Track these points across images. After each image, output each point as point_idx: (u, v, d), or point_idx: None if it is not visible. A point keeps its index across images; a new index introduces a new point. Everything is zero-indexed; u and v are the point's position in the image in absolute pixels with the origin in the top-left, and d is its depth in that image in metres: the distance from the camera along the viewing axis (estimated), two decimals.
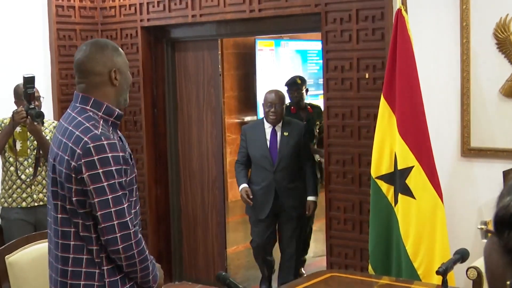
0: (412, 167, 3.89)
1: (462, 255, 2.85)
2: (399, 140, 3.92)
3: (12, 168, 4.54)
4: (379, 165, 4.06)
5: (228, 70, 8.80)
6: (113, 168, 2.45)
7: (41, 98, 4.54)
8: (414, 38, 4.01)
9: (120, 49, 2.74)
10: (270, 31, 5.23)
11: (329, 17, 4.68)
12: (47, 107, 5.59)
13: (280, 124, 5.16)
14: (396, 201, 3.97)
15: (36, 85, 5.48)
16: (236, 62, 9.05)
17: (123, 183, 2.50)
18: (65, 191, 2.49)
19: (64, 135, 2.53)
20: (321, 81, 6.83)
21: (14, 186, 4.55)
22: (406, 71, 3.95)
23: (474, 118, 4.15)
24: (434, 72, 4.25)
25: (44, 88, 5.57)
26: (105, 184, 2.43)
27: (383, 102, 4.05)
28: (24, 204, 4.54)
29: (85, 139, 2.44)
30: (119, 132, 2.68)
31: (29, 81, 4.22)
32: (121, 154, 2.49)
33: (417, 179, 3.89)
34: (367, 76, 4.56)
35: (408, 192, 3.90)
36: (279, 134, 5.14)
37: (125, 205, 2.48)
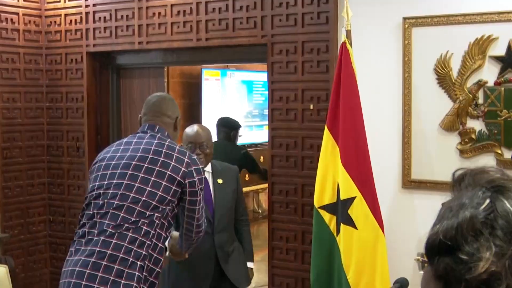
0: (355, 197, 3.95)
1: (401, 284, 2.88)
2: (342, 170, 3.98)
3: None
4: (322, 195, 4.11)
5: (174, 98, 8.76)
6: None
7: None
8: (358, 71, 4.09)
9: None
10: (217, 61, 5.26)
11: (275, 48, 4.74)
12: None
13: (209, 169, 4.12)
14: (338, 231, 4.01)
15: None
16: (182, 91, 9.03)
17: None
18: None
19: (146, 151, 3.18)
20: (266, 111, 6.88)
21: None
22: (350, 103, 4.02)
23: (415, 151, 4.24)
24: (377, 105, 4.34)
25: None
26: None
27: (326, 133, 4.11)
28: None
29: (187, 152, 3.27)
30: None
31: None
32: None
33: (359, 210, 3.94)
34: (311, 107, 4.62)
35: (350, 222, 3.95)
36: (211, 182, 4.12)
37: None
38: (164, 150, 3.16)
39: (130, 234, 2.98)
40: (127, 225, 2.98)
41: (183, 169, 3.12)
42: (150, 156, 3.14)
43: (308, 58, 4.63)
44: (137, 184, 3.07)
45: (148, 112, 3.39)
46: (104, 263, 2.91)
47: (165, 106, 3.37)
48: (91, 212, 3.07)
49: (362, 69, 4.23)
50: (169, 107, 3.39)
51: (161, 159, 3.12)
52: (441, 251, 1.07)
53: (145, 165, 3.11)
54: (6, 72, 5.58)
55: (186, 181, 3.13)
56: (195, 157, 3.28)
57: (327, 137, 4.12)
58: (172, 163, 3.12)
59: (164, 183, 3.08)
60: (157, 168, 3.10)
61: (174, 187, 3.10)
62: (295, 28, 4.66)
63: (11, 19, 5.59)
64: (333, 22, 4.50)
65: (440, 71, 4.15)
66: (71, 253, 3.05)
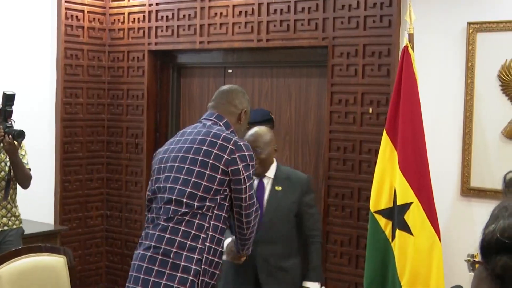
0: (411, 203, 3.92)
1: None
2: (400, 175, 3.96)
3: None
4: (378, 199, 4.09)
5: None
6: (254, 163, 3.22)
7: (13, 122, 4.27)
8: (419, 76, 4.07)
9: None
10: (277, 62, 5.29)
11: (336, 50, 4.75)
12: (50, 125, 5.66)
13: (271, 174, 3.95)
14: (393, 237, 3.99)
15: (40, 103, 5.57)
16: None
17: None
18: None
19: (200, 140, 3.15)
20: None
21: None
22: (410, 107, 4.00)
23: (475, 158, 4.19)
24: (438, 110, 4.30)
25: (48, 106, 5.65)
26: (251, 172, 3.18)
27: (385, 137, 4.10)
28: None
29: (233, 138, 3.14)
30: None
31: (9, 99, 4.15)
32: (253, 164, 3.24)
33: (415, 216, 3.91)
34: (370, 111, 4.61)
35: (406, 228, 3.93)
36: (268, 188, 3.94)
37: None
38: (209, 139, 3.11)
39: (182, 228, 3.01)
40: (178, 217, 3.01)
41: (225, 156, 3.06)
42: (195, 146, 3.11)
43: (369, 61, 4.62)
44: (182, 176, 3.07)
45: (214, 99, 3.38)
46: (159, 257, 2.98)
47: (232, 96, 3.34)
48: (151, 206, 3.16)
49: (423, 74, 4.20)
50: (237, 97, 3.35)
51: (204, 148, 3.08)
52: (499, 249, 1.06)
53: (190, 155, 3.09)
54: (70, 68, 5.74)
55: (229, 169, 3.06)
56: (246, 143, 3.21)
57: (385, 141, 4.11)
58: (215, 151, 3.06)
59: (208, 172, 3.04)
60: (200, 158, 3.07)
61: (219, 176, 3.05)
62: (357, 31, 4.66)
63: (76, 17, 5.74)
64: (396, 26, 4.49)
65: (504, 78, 4.09)
66: (136, 247, 3.17)
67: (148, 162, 5.76)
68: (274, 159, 3.98)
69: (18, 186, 4.36)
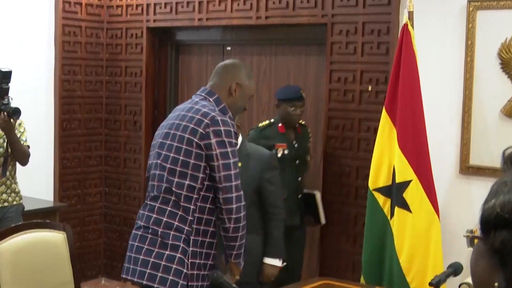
0: (410, 181, 3.94)
1: (455, 269, 2.88)
2: (399, 153, 3.97)
3: None
4: (377, 177, 4.11)
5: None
6: (234, 141, 3.02)
7: (10, 99, 4.22)
8: (419, 54, 4.06)
9: (252, 78, 3.30)
10: (275, 40, 5.28)
11: (335, 28, 4.74)
12: (48, 102, 5.66)
13: None
14: (392, 214, 4.01)
15: (38, 80, 5.56)
16: None
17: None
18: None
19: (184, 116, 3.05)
20: None
21: None
22: (409, 85, 4.00)
23: (474, 136, 4.20)
24: (437, 88, 4.30)
25: (46, 83, 5.64)
26: (229, 150, 2.97)
27: (384, 115, 4.10)
28: None
29: (212, 113, 2.99)
30: None
31: (5, 76, 4.11)
32: (234, 141, 3.04)
33: (414, 193, 3.93)
34: (370, 89, 4.61)
35: (404, 206, 3.95)
36: None
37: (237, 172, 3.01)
38: (189, 114, 3.02)
39: (169, 208, 2.98)
40: (163, 195, 2.98)
41: (200, 130, 2.95)
42: (177, 122, 3.04)
43: (369, 39, 4.61)
44: (164, 152, 3.03)
45: (211, 75, 3.26)
46: (149, 236, 3.00)
47: (225, 69, 3.21)
48: (148, 184, 3.16)
49: (423, 52, 4.20)
50: (230, 70, 3.20)
51: (183, 123, 2.99)
52: (498, 225, 1.07)
53: (171, 131, 3.04)
54: (68, 45, 5.72)
55: (202, 143, 2.94)
56: (225, 119, 3.01)
57: (384, 119, 4.11)
58: (191, 125, 2.97)
59: (184, 146, 2.96)
60: (178, 133, 3.00)
61: (194, 150, 2.95)
62: (356, 8, 4.64)
63: None
64: (395, 3, 4.47)
65: (504, 56, 4.08)
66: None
67: (146, 140, 5.75)
68: (240, 136, 3.84)
69: (18, 163, 4.36)
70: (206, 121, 2.95)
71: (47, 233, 3.29)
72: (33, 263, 3.15)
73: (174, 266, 2.95)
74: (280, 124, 4.49)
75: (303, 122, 4.69)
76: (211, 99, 3.09)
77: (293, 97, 4.48)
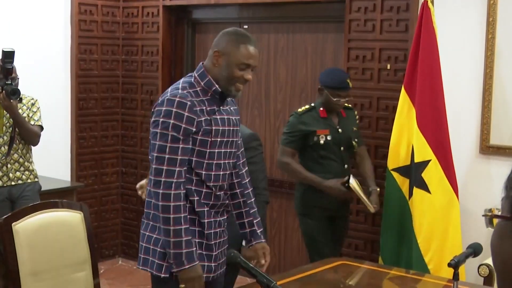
0: (429, 161, 3.91)
1: (474, 250, 2.86)
2: (417, 133, 3.94)
3: None
4: (396, 157, 4.08)
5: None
6: (171, 121, 2.75)
7: (18, 79, 4.20)
8: (439, 32, 4.01)
9: (245, 44, 2.88)
10: (292, 18, 5.23)
11: (354, 5, 4.68)
12: (65, 81, 5.66)
13: None
14: (410, 194, 3.98)
15: (54, 59, 5.56)
16: None
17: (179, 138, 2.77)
18: None
19: None
20: None
21: None
22: (429, 64, 3.96)
23: (494, 115, 4.14)
24: (457, 66, 4.25)
25: (63, 62, 5.64)
26: (158, 131, 2.77)
27: (403, 94, 4.07)
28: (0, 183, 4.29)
29: (166, 93, 2.82)
30: (228, 106, 2.98)
31: (8, 56, 4.05)
32: (186, 114, 2.76)
33: (433, 174, 3.90)
34: (388, 67, 4.56)
35: (423, 186, 3.92)
36: None
37: (176, 156, 2.77)
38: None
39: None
40: (151, 177, 2.86)
41: (153, 109, 2.85)
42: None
43: (387, 16, 4.55)
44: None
45: None
46: (145, 221, 2.94)
47: (215, 39, 2.93)
48: None
49: (443, 29, 4.14)
50: (215, 40, 2.92)
51: (156, 102, 2.86)
52: None
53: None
54: (84, 24, 5.70)
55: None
56: (175, 99, 2.78)
57: (403, 98, 4.08)
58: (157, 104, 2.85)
59: (151, 129, 2.84)
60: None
61: (152, 129, 2.83)
62: None
63: None
64: None
65: None
66: None
67: None
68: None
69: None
70: (161, 98, 2.83)
71: (64, 213, 3.29)
72: (50, 243, 3.16)
73: (158, 249, 2.86)
74: (321, 108, 4.13)
75: (349, 105, 4.33)
76: (196, 74, 2.90)
77: (337, 86, 4.05)
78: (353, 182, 3.99)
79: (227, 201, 3.01)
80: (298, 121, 4.11)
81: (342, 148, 4.15)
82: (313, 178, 4.06)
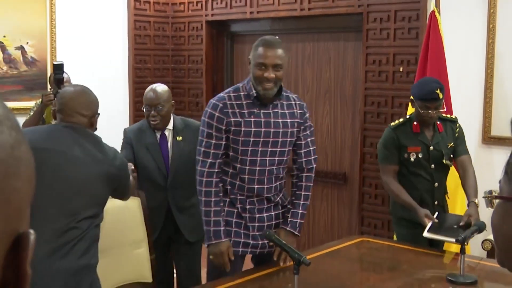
0: None
1: (479, 227, 2.83)
2: None
3: None
4: None
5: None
6: (207, 120, 2.86)
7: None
8: (445, 37, 3.97)
9: (261, 46, 2.84)
10: (317, 29, 5.21)
11: (370, 17, 4.65)
12: (123, 87, 5.72)
13: (170, 126, 3.63)
14: None
15: (115, 69, 5.63)
16: None
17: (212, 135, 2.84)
18: None
19: None
20: None
21: None
22: (437, 66, 3.92)
23: (495, 110, 4.09)
24: (462, 67, 4.20)
25: (122, 71, 5.70)
26: (200, 128, 2.91)
27: None
28: None
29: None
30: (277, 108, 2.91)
31: (57, 68, 4.03)
32: (217, 114, 2.83)
33: None
34: (401, 69, 4.52)
35: None
36: (170, 139, 3.63)
37: (209, 150, 2.84)
38: None
39: None
40: None
41: None
42: None
43: (400, 25, 4.51)
44: None
45: None
46: None
47: None
48: None
49: (449, 35, 4.09)
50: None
51: None
52: None
53: None
54: (139, 38, 5.76)
55: None
56: (213, 101, 2.88)
57: None
58: None
59: None
60: None
61: None
62: None
63: None
64: None
65: None
66: None
67: None
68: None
69: None
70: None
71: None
72: (111, 224, 3.18)
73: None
74: (415, 123, 3.39)
75: (453, 116, 3.57)
76: (246, 80, 2.91)
77: (424, 98, 3.28)
78: (427, 235, 3.21)
79: (268, 195, 2.90)
80: (390, 135, 3.44)
81: (432, 166, 3.41)
82: (411, 205, 3.32)
